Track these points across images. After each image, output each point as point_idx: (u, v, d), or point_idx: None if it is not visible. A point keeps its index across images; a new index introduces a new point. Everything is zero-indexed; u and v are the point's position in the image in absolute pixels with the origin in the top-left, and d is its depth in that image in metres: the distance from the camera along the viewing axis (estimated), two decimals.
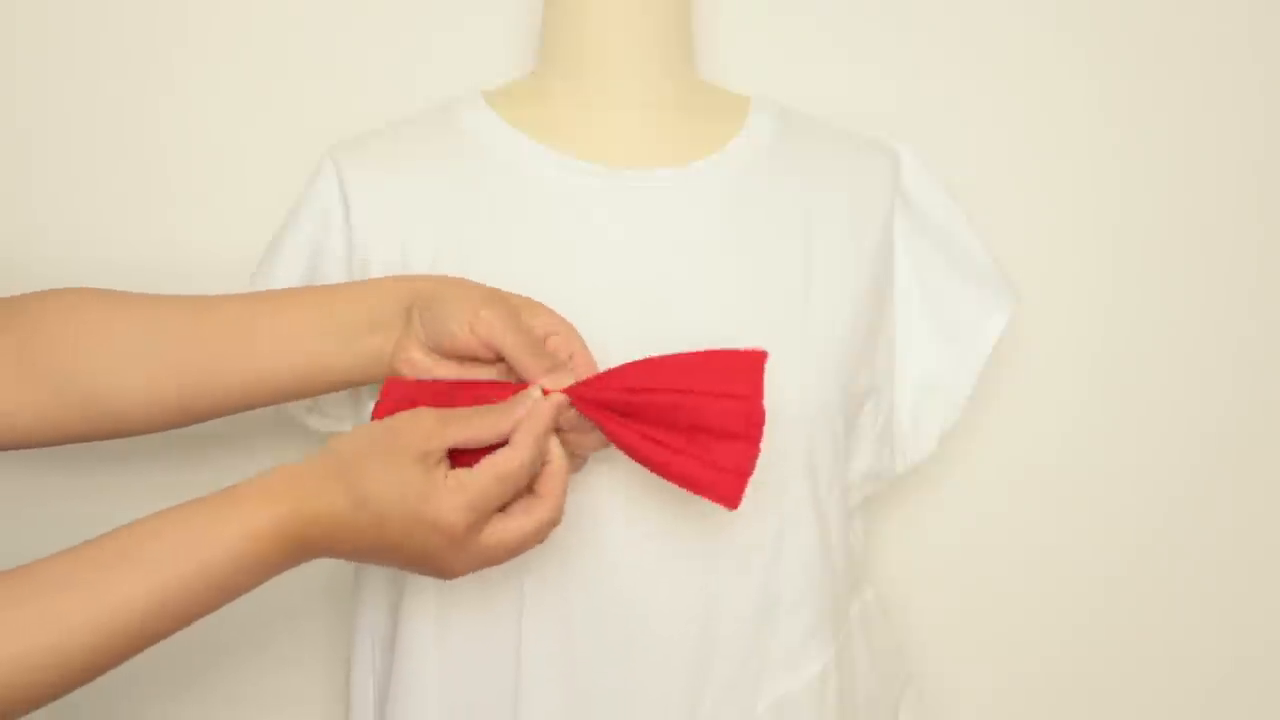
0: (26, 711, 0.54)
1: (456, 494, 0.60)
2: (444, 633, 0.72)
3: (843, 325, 0.74)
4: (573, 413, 0.63)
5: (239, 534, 0.57)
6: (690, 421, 0.61)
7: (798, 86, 0.89)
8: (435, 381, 0.65)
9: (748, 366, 0.62)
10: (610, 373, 0.63)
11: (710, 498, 0.62)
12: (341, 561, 0.97)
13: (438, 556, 0.61)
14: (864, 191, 0.78)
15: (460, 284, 0.68)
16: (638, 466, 0.69)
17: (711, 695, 0.72)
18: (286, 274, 0.77)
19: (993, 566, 1.00)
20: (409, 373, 0.66)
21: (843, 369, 0.74)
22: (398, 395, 0.64)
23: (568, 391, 0.63)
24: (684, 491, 0.70)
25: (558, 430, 0.63)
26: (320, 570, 0.98)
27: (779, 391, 0.70)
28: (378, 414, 0.64)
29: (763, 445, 0.69)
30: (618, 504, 0.70)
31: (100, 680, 0.99)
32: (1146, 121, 0.97)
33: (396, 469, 0.59)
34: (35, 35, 0.93)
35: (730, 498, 0.61)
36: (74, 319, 0.68)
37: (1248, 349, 0.99)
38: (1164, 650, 1.02)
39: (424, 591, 0.72)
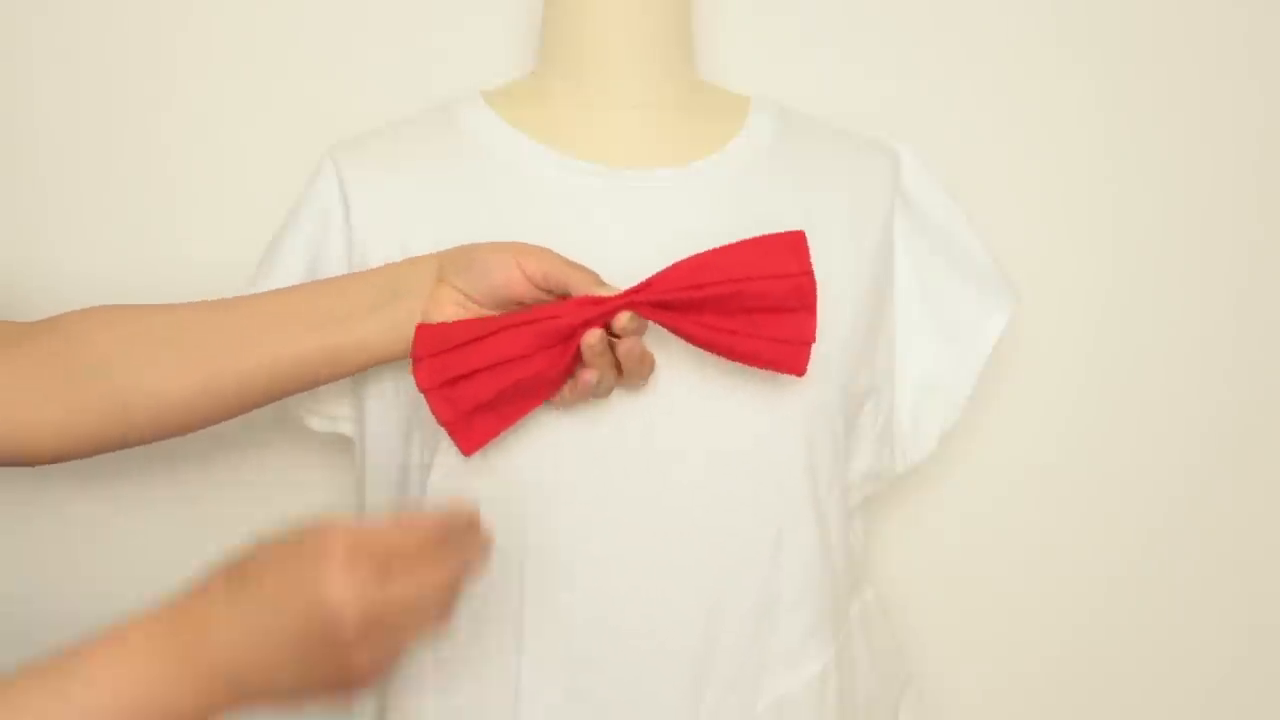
0: None
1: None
2: (443, 633, 0.72)
3: (843, 325, 0.74)
4: (625, 321, 0.64)
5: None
6: (748, 305, 0.64)
7: (798, 86, 0.90)
8: (464, 321, 0.65)
9: (791, 246, 0.64)
10: (661, 275, 0.65)
11: (777, 369, 0.66)
12: None
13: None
14: (864, 191, 0.78)
15: (482, 244, 0.69)
16: (635, 466, 0.69)
17: (712, 694, 0.72)
18: (286, 274, 0.77)
19: (993, 566, 1.00)
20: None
21: (843, 369, 0.74)
22: (431, 339, 0.64)
23: (626, 295, 0.64)
24: (683, 490, 0.70)
25: (614, 343, 0.65)
26: None
27: (780, 392, 0.71)
28: (415, 355, 0.64)
29: (763, 446, 0.70)
30: (617, 503, 0.70)
31: None
32: (1145, 121, 0.97)
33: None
34: (39, 36, 0.93)
35: (796, 365, 0.65)
36: (110, 331, 0.69)
37: (1247, 349, 0.99)
38: (1164, 650, 1.02)
39: None
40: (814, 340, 0.65)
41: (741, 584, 0.72)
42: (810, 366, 0.72)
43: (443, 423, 0.65)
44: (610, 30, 0.75)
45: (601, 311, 0.64)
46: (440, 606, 0.57)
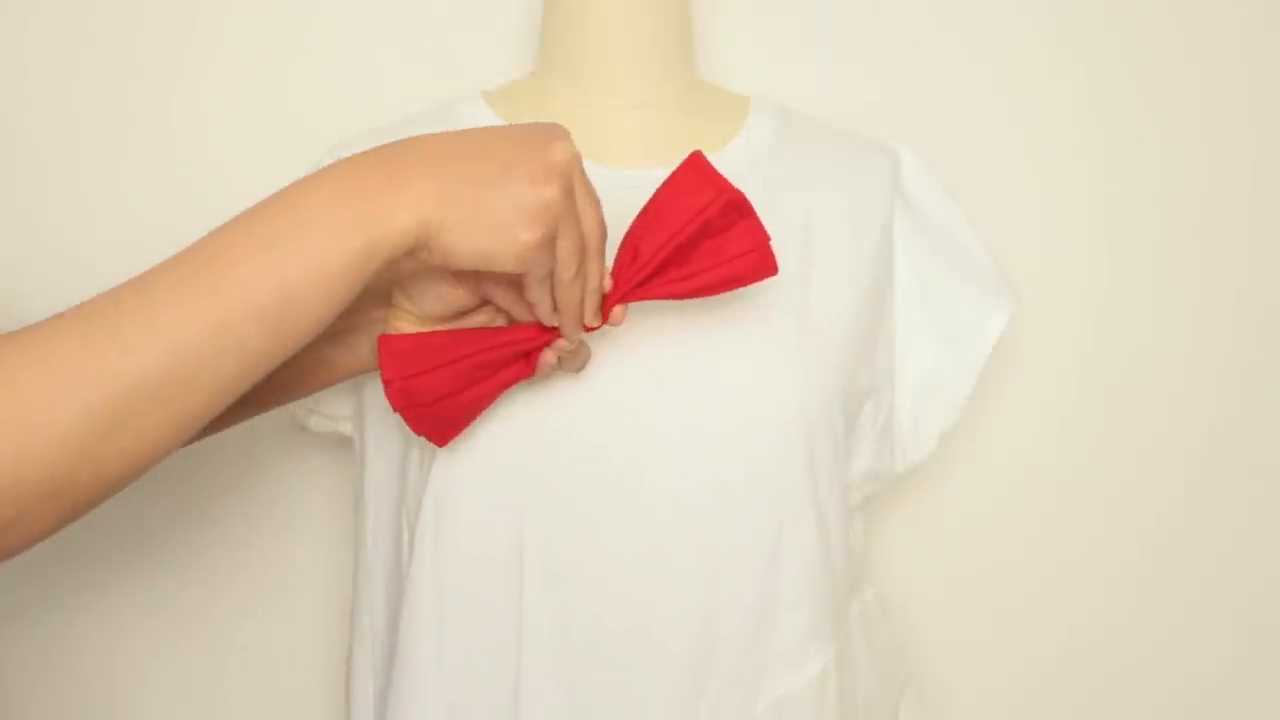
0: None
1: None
2: (444, 632, 0.72)
3: (843, 325, 0.74)
4: (619, 317, 0.66)
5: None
6: (696, 246, 0.64)
7: (798, 86, 0.90)
8: (434, 333, 0.65)
9: (696, 170, 0.65)
10: (620, 265, 0.66)
11: (751, 281, 0.65)
12: (339, 560, 0.97)
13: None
14: (864, 191, 0.78)
15: None
16: (634, 464, 0.69)
17: (711, 694, 0.72)
18: None
19: (993, 566, 1.00)
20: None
21: (843, 369, 0.74)
22: (397, 360, 0.64)
23: (607, 301, 0.65)
24: (683, 489, 0.70)
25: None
26: (320, 568, 0.98)
27: (780, 391, 0.71)
28: (385, 378, 0.64)
29: (763, 445, 0.70)
30: (616, 502, 0.71)
31: (104, 678, 1.00)
32: (1143, 121, 0.97)
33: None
34: (41, 36, 0.93)
35: (766, 267, 0.65)
36: None
37: (1245, 348, 0.99)
38: (1164, 649, 1.02)
39: (424, 591, 0.72)
40: (768, 239, 0.64)
41: (741, 583, 0.72)
42: (811, 365, 0.72)
43: (419, 433, 0.66)
44: (610, 30, 0.75)
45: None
46: (593, 208, 0.62)
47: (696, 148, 0.75)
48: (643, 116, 0.76)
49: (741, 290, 0.68)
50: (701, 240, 0.64)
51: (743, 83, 0.85)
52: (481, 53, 0.93)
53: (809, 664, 0.73)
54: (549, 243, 0.59)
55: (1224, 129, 0.97)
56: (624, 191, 0.73)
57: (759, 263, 0.65)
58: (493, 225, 0.57)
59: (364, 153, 0.58)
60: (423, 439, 0.69)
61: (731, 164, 0.76)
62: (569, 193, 0.59)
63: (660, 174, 0.74)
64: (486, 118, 0.77)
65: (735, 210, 0.64)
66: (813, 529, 0.73)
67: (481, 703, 0.72)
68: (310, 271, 0.54)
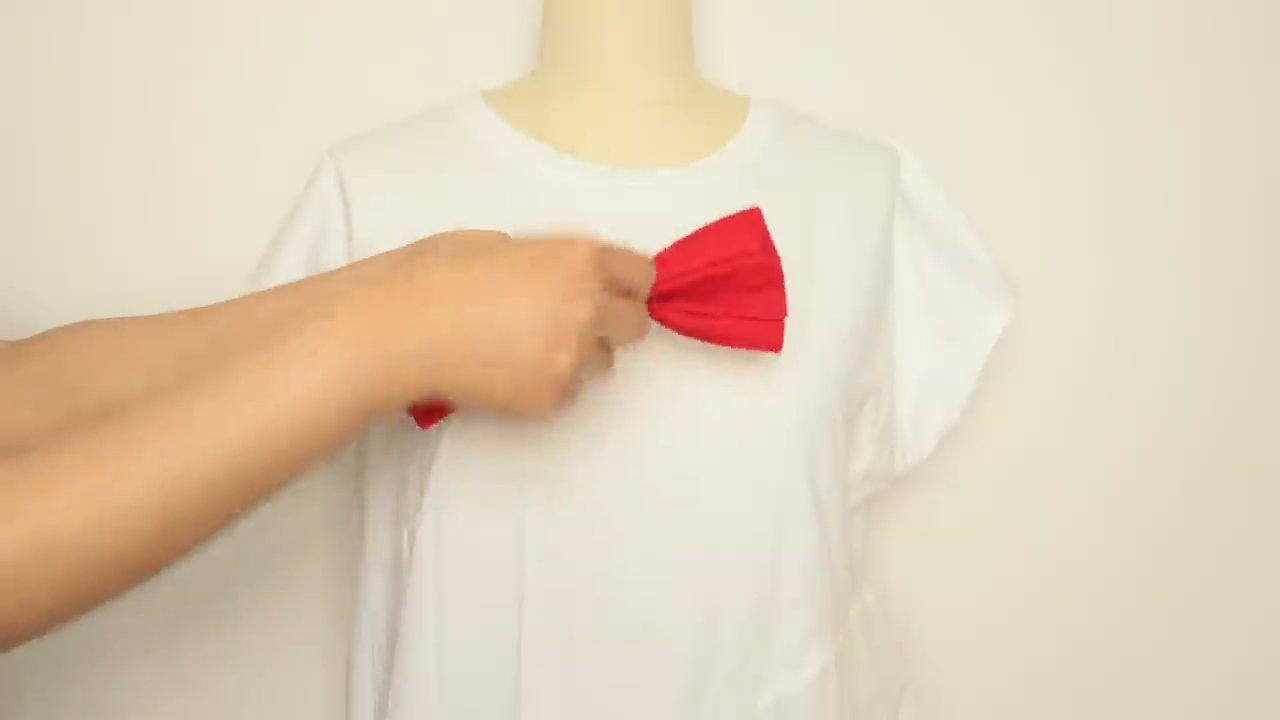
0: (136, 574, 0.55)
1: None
2: (444, 637, 0.72)
3: (843, 325, 0.74)
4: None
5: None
6: (719, 288, 0.64)
7: (798, 86, 0.90)
8: None
9: (749, 226, 0.65)
10: None
11: (755, 347, 0.66)
12: (340, 566, 0.97)
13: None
14: (864, 191, 0.78)
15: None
16: (634, 464, 0.69)
17: (711, 694, 0.72)
18: (287, 274, 0.77)
19: (993, 567, 1.00)
20: None
21: (843, 369, 0.74)
22: None
23: None
24: (683, 489, 0.70)
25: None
26: (320, 571, 0.98)
27: (779, 391, 0.71)
28: None
29: (763, 446, 0.70)
30: (616, 502, 0.71)
31: (104, 681, 1.00)
32: (1144, 121, 0.97)
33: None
34: (42, 38, 0.93)
35: (772, 342, 0.65)
36: (82, 346, 0.69)
37: (1245, 348, 0.99)
38: (1164, 650, 1.02)
39: (424, 597, 0.72)
40: (785, 315, 0.64)
41: (741, 584, 0.72)
42: (810, 365, 0.72)
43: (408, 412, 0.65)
44: (610, 31, 0.75)
45: None
46: (628, 332, 0.63)
47: (697, 148, 0.76)
48: (643, 116, 0.76)
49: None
50: (726, 286, 0.64)
51: (743, 83, 0.85)
52: (481, 53, 0.92)
53: (809, 664, 0.73)
54: (566, 393, 0.60)
55: (1224, 129, 0.97)
56: (625, 191, 0.73)
57: (768, 334, 0.65)
58: (499, 401, 0.59)
59: (374, 286, 0.58)
60: (422, 443, 0.69)
61: (731, 164, 0.76)
62: (581, 354, 0.59)
63: (661, 174, 0.74)
64: (487, 118, 0.77)
65: (766, 274, 0.64)
66: (813, 529, 0.73)
67: (481, 706, 0.72)
68: (310, 421, 0.55)
